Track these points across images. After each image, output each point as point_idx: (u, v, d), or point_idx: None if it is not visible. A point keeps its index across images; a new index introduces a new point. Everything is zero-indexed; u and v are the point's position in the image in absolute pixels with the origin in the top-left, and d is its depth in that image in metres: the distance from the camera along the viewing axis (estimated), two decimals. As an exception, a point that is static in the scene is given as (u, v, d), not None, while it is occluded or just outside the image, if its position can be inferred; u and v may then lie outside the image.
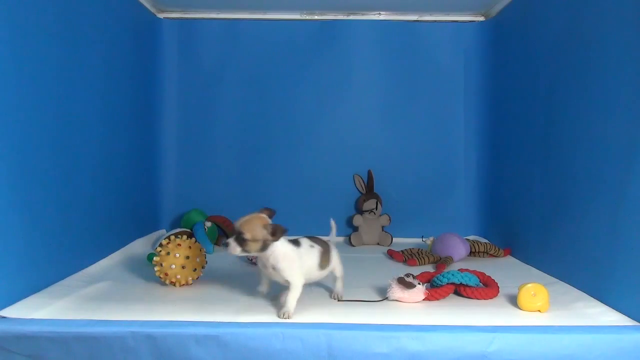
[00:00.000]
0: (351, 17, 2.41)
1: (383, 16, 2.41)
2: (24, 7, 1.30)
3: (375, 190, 2.40)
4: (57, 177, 1.46)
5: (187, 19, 2.40)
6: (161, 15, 2.39)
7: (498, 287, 1.45)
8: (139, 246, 2.02)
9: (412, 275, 1.40)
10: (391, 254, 2.00)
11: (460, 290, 1.43)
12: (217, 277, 1.63)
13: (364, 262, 1.92)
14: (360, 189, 2.42)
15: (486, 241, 2.18)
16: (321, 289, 1.51)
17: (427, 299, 1.37)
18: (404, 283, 1.35)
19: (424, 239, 2.10)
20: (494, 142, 2.29)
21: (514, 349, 1.08)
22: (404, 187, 2.42)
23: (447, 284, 1.43)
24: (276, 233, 1.22)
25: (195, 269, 1.50)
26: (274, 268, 1.27)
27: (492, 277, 1.50)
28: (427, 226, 2.24)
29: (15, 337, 1.09)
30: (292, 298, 1.24)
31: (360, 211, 2.37)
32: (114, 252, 1.83)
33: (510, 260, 1.98)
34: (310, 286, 1.42)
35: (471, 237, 2.25)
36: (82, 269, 1.60)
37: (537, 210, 1.82)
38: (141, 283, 1.55)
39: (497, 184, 2.26)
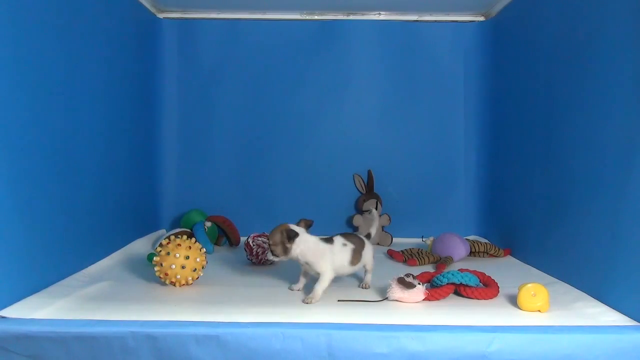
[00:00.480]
0: (351, 17, 2.41)
1: (383, 16, 2.41)
2: (24, 7, 1.30)
3: (375, 190, 2.40)
4: (57, 177, 1.46)
5: (187, 19, 2.40)
6: (161, 15, 2.39)
7: (498, 287, 1.45)
8: (139, 246, 2.01)
9: (412, 275, 1.39)
10: (391, 254, 2.00)
11: (460, 290, 1.43)
12: (217, 277, 1.63)
13: (364, 262, 1.92)
14: (360, 189, 2.42)
15: (486, 241, 2.18)
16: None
17: (427, 299, 1.37)
18: (404, 283, 1.36)
19: (424, 239, 2.10)
20: (494, 142, 2.29)
21: (514, 349, 1.08)
22: (404, 187, 2.42)
23: (447, 284, 1.43)
24: (290, 237, 1.38)
25: (195, 269, 1.50)
26: (307, 263, 1.43)
27: (492, 277, 1.50)
28: (427, 226, 2.24)
29: (15, 337, 1.09)
30: (319, 287, 1.38)
31: (360, 211, 2.37)
32: (114, 252, 1.83)
33: (510, 260, 1.98)
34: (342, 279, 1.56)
35: (471, 237, 2.25)
36: (82, 269, 1.60)
37: (537, 210, 1.82)
38: (141, 283, 1.55)
39: (497, 184, 2.26)
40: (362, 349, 1.08)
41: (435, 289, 1.41)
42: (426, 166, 2.42)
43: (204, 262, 1.53)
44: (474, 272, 1.48)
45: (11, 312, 1.18)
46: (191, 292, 1.46)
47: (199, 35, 2.41)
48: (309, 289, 1.43)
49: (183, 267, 1.46)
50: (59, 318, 1.18)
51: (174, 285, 1.49)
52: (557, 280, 1.58)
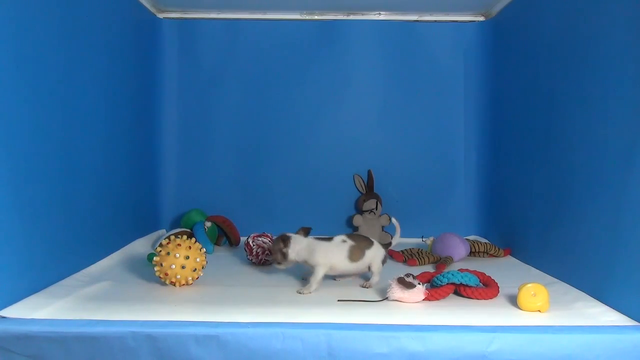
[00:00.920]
0: (351, 17, 2.41)
1: (383, 16, 2.41)
2: (24, 7, 1.30)
3: (375, 190, 2.40)
4: (57, 177, 1.46)
5: (187, 19, 2.40)
6: (161, 15, 2.39)
7: (498, 287, 1.45)
8: (139, 246, 2.02)
9: (412, 275, 1.39)
10: (391, 254, 1.99)
11: (460, 290, 1.43)
12: (217, 277, 1.63)
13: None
14: (360, 189, 2.42)
15: (486, 241, 2.18)
16: (321, 288, 1.51)
17: (427, 299, 1.37)
18: (404, 283, 1.36)
19: (424, 239, 2.10)
20: (494, 142, 2.29)
21: (514, 349, 1.08)
22: (404, 187, 2.42)
23: (447, 284, 1.43)
24: (285, 242, 1.52)
25: (195, 269, 1.50)
26: (304, 261, 1.52)
27: (492, 277, 1.50)
28: (427, 226, 2.24)
29: (15, 337, 1.09)
30: (312, 279, 1.48)
31: (360, 211, 2.37)
32: (114, 252, 1.83)
33: (510, 260, 1.98)
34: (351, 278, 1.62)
35: (471, 237, 2.25)
36: (82, 269, 1.60)
37: (537, 210, 1.82)
38: (141, 283, 1.55)
39: (497, 184, 2.26)
40: (362, 349, 1.08)
41: (435, 289, 1.41)
42: (426, 166, 2.42)
43: (204, 262, 1.53)
44: (474, 272, 1.48)
45: (11, 312, 1.18)
46: (191, 292, 1.46)
47: (199, 35, 2.41)
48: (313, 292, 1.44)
49: (183, 267, 1.46)
50: (59, 318, 1.18)
51: (174, 285, 1.49)
52: (557, 280, 1.58)
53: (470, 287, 1.42)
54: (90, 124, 1.66)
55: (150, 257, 1.73)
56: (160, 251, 1.48)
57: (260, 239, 1.86)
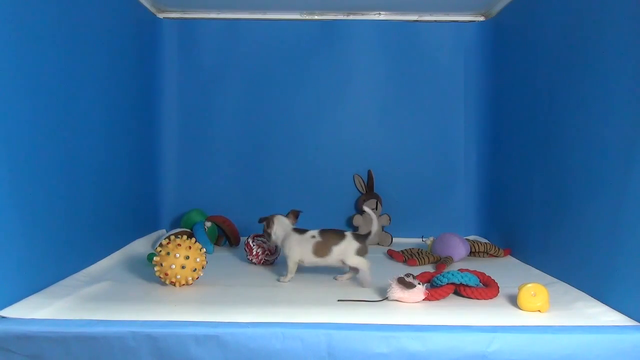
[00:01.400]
0: (351, 17, 2.41)
1: (383, 16, 2.41)
2: (24, 7, 1.30)
3: (375, 190, 2.40)
4: (58, 177, 1.46)
5: (187, 19, 2.40)
6: (161, 15, 2.39)
7: (498, 287, 1.45)
8: (139, 246, 2.01)
9: (412, 275, 1.39)
10: (391, 254, 2.00)
11: (460, 290, 1.43)
12: (217, 277, 1.63)
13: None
14: (360, 189, 2.42)
15: (486, 241, 2.18)
16: (321, 288, 1.51)
17: (427, 299, 1.37)
18: (404, 283, 1.35)
19: (424, 239, 2.10)
20: (494, 142, 2.29)
21: (514, 349, 1.08)
22: (404, 187, 2.42)
23: (447, 284, 1.43)
24: (269, 223, 1.66)
25: (195, 269, 1.50)
26: (281, 247, 1.65)
27: (492, 277, 1.50)
28: (427, 226, 2.24)
29: (15, 337, 1.09)
30: (287, 268, 1.60)
31: (360, 211, 2.37)
32: (114, 252, 1.83)
33: (510, 260, 1.98)
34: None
35: (471, 237, 2.25)
36: (82, 269, 1.59)
37: (537, 210, 1.82)
38: (141, 283, 1.55)
39: (497, 184, 2.26)
40: (362, 349, 1.08)
41: (435, 289, 1.41)
42: (426, 166, 2.42)
43: (204, 262, 1.53)
44: (474, 272, 1.48)
45: (11, 312, 1.18)
46: (191, 292, 1.46)
47: (199, 35, 2.41)
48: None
49: (183, 267, 1.46)
50: (59, 318, 1.18)
51: (174, 285, 1.49)
52: (557, 280, 1.58)
53: (470, 287, 1.42)
54: (90, 124, 1.66)
55: (150, 257, 1.73)
56: (160, 251, 1.48)
57: (260, 239, 1.87)
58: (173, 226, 2.38)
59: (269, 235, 1.66)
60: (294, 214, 1.69)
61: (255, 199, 2.41)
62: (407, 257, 1.93)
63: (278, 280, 1.60)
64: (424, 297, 1.37)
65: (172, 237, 1.53)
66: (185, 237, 1.54)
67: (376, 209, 2.34)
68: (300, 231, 1.62)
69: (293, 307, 1.31)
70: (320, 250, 1.57)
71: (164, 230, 2.33)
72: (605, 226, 1.36)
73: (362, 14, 2.40)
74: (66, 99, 1.51)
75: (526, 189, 1.92)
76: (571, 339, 1.08)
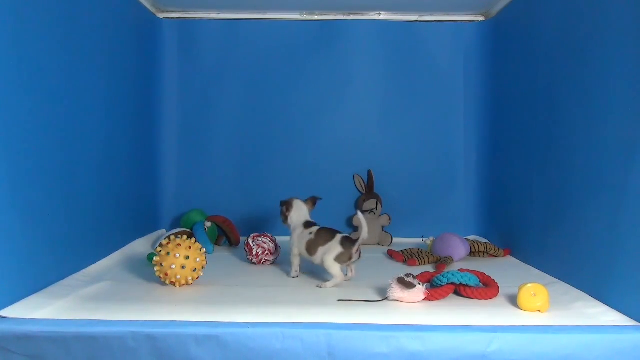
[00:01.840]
0: (351, 17, 2.41)
1: (383, 16, 2.41)
2: (24, 7, 1.30)
3: (375, 190, 2.40)
4: (58, 176, 1.46)
5: (187, 19, 2.40)
6: (161, 15, 2.39)
7: (498, 287, 1.45)
8: (139, 246, 2.02)
9: (412, 275, 1.39)
10: (391, 254, 2.00)
11: (460, 290, 1.43)
12: (217, 277, 1.63)
13: (364, 262, 1.89)
14: (360, 189, 2.42)
15: (486, 241, 2.18)
16: (321, 288, 1.51)
17: (427, 299, 1.37)
18: (404, 283, 1.35)
19: (424, 239, 2.10)
20: (494, 142, 2.29)
21: (514, 349, 1.08)
22: (404, 187, 2.42)
23: (447, 284, 1.43)
24: (288, 207, 1.71)
25: (195, 269, 1.50)
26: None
27: (492, 277, 1.50)
28: (427, 226, 2.24)
29: (15, 337, 1.09)
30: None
31: (360, 211, 2.36)
32: (114, 252, 1.83)
33: (510, 260, 1.98)
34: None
35: (471, 237, 2.25)
36: (82, 269, 1.60)
37: (537, 210, 1.82)
38: (141, 283, 1.55)
39: (497, 184, 2.26)
40: (362, 349, 1.08)
41: (435, 289, 1.41)
42: (426, 166, 2.42)
43: (204, 262, 1.53)
44: (474, 272, 1.48)
45: (11, 312, 1.18)
46: (191, 292, 1.46)
47: (199, 35, 2.41)
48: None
49: (183, 267, 1.46)
50: (59, 318, 1.18)
51: (174, 285, 1.49)
52: (557, 280, 1.58)
53: (470, 287, 1.42)
54: (91, 124, 1.66)
55: (150, 257, 1.73)
56: (160, 251, 1.48)
57: (260, 239, 1.86)
58: (173, 226, 2.38)
59: (286, 218, 1.70)
60: (312, 201, 1.74)
61: (255, 199, 2.40)
62: (407, 257, 1.93)
63: (289, 275, 1.66)
64: (424, 297, 1.37)
65: (172, 237, 1.53)
66: (185, 237, 1.54)
67: (376, 209, 2.34)
68: (307, 225, 1.65)
69: (293, 307, 1.31)
70: (311, 248, 1.59)
71: (164, 230, 2.33)
72: (605, 226, 1.36)
73: (362, 14, 2.40)
74: (66, 99, 1.51)
75: (526, 189, 1.92)
76: (571, 339, 1.08)
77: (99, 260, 1.72)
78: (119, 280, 1.56)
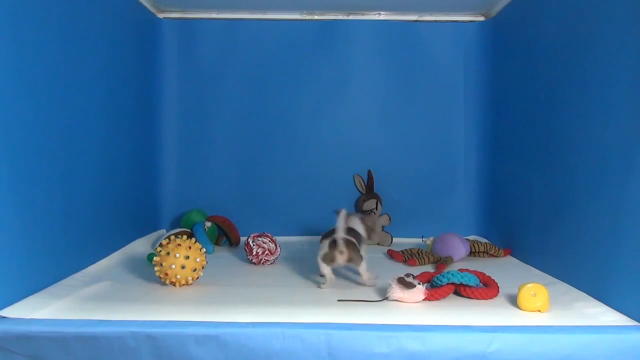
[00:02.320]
0: (351, 17, 2.41)
1: (383, 16, 2.41)
2: (24, 7, 1.30)
3: (375, 190, 2.40)
4: (58, 177, 1.46)
5: (187, 19, 2.40)
6: (161, 15, 2.39)
7: (498, 287, 1.45)
8: (139, 246, 2.02)
9: (412, 275, 1.39)
10: (391, 254, 2.00)
11: (460, 290, 1.43)
12: (217, 277, 1.63)
13: (364, 262, 1.92)
14: (360, 189, 2.42)
15: (486, 241, 2.18)
16: (319, 289, 1.51)
17: (427, 299, 1.37)
18: (404, 283, 1.35)
19: (424, 239, 2.10)
20: (494, 142, 2.29)
21: (514, 349, 1.08)
22: (403, 187, 2.42)
23: (447, 284, 1.43)
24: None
25: (195, 269, 1.50)
26: None
27: (492, 277, 1.50)
28: (427, 226, 2.24)
29: (15, 337, 1.09)
30: None
31: (360, 211, 2.37)
32: (114, 252, 1.83)
33: (510, 260, 1.98)
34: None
35: (471, 237, 2.25)
36: (82, 269, 1.60)
37: (537, 210, 1.82)
38: (141, 283, 1.55)
39: (497, 184, 2.26)
40: (362, 349, 1.08)
41: (435, 289, 1.41)
42: (426, 166, 2.42)
43: (204, 262, 1.53)
44: (474, 272, 1.48)
45: (11, 312, 1.18)
46: (191, 292, 1.46)
47: (199, 35, 2.40)
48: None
49: (183, 267, 1.46)
50: (59, 318, 1.18)
51: (174, 285, 1.49)
52: (557, 280, 1.58)
53: (470, 287, 1.42)
54: (90, 124, 1.66)
55: (150, 257, 1.73)
56: (160, 251, 1.48)
57: (260, 239, 1.86)
58: (173, 226, 2.37)
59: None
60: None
61: (255, 199, 2.41)
62: (407, 257, 1.93)
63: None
64: (424, 297, 1.37)
65: (172, 237, 1.53)
66: (185, 237, 1.54)
67: (376, 209, 2.34)
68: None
69: (293, 307, 1.31)
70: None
71: (164, 230, 2.33)
72: (605, 226, 1.36)
73: (362, 14, 2.40)
74: (66, 99, 1.51)
75: (526, 189, 1.92)
76: (571, 339, 1.08)
77: (99, 260, 1.72)
78: (118, 280, 1.56)
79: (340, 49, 2.40)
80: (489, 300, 1.41)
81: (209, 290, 1.48)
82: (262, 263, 1.84)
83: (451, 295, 1.43)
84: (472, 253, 1.98)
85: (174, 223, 2.39)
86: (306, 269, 1.68)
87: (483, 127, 2.37)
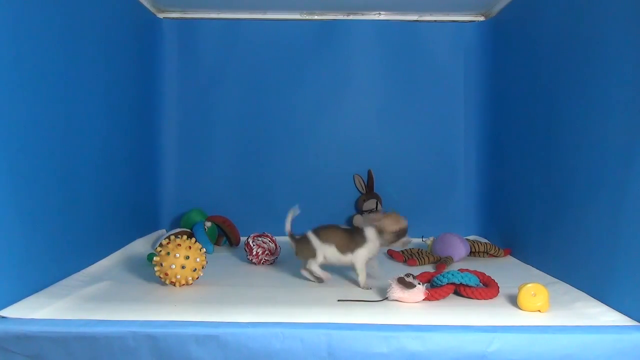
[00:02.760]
0: (351, 17, 2.41)
1: (383, 16, 2.41)
2: (24, 7, 1.30)
3: (375, 190, 2.40)
4: (58, 177, 1.46)
5: (187, 19, 2.40)
6: (161, 15, 2.39)
7: (498, 287, 1.45)
8: (139, 246, 2.02)
9: (412, 275, 1.39)
10: (391, 254, 2.00)
11: (460, 290, 1.43)
12: (217, 277, 1.63)
13: (364, 262, 1.92)
14: (360, 189, 2.42)
15: (486, 241, 2.18)
16: (321, 288, 1.51)
17: (427, 299, 1.37)
18: (404, 283, 1.35)
19: (424, 239, 2.10)
20: (494, 142, 2.29)
21: (514, 349, 1.08)
22: (404, 187, 2.42)
23: (447, 284, 1.43)
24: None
25: (195, 269, 1.50)
26: None
27: (492, 277, 1.50)
28: (427, 226, 2.23)
29: (15, 337, 1.09)
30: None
31: (360, 211, 2.37)
32: (114, 252, 1.83)
33: (510, 260, 1.98)
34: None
35: (471, 237, 2.25)
36: (82, 269, 1.60)
37: (537, 210, 1.82)
38: (141, 283, 1.55)
39: (497, 184, 2.26)
40: (362, 349, 1.08)
41: (435, 289, 1.41)
42: (426, 166, 2.42)
43: (204, 262, 1.53)
44: (474, 272, 1.48)
45: (11, 312, 1.18)
46: (191, 292, 1.46)
47: (199, 35, 2.41)
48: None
49: (183, 267, 1.46)
50: (59, 318, 1.18)
51: (174, 285, 1.49)
52: (557, 280, 1.58)
53: (470, 287, 1.42)
54: (90, 124, 1.66)
55: (150, 257, 1.73)
56: (160, 251, 1.48)
57: (260, 239, 1.86)
58: (173, 226, 2.38)
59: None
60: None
61: (255, 199, 2.41)
62: (407, 257, 1.93)
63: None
64: (424, 297, 1.37)
65: (172, 237, 1.53)
66: (185, 237, 1.54)
67: (376, 209, 2.34)
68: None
69: (293, 307, 1.31)
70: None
71: (164, 230, 2.33)
72: (605, 226, 1.36)
73: (362, 14, 2.40)
74: (66, 99, 1.51)
75: (526, 189, 1.92)
76: (571, 339, 1.08)
77: (99, 260, 1.72)
78: (118, 280, 1.56)
79: (340, 49, 2.40)
80: (489, 300, 1.41)
81: (209, 290, 1.48)
82: (262, 263, 1.84)
83: (451, 295, 1.44)
84: (472, 253, 1.98)
85: (174, 223, 2.39)
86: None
87: (483, 127, 2.37)
